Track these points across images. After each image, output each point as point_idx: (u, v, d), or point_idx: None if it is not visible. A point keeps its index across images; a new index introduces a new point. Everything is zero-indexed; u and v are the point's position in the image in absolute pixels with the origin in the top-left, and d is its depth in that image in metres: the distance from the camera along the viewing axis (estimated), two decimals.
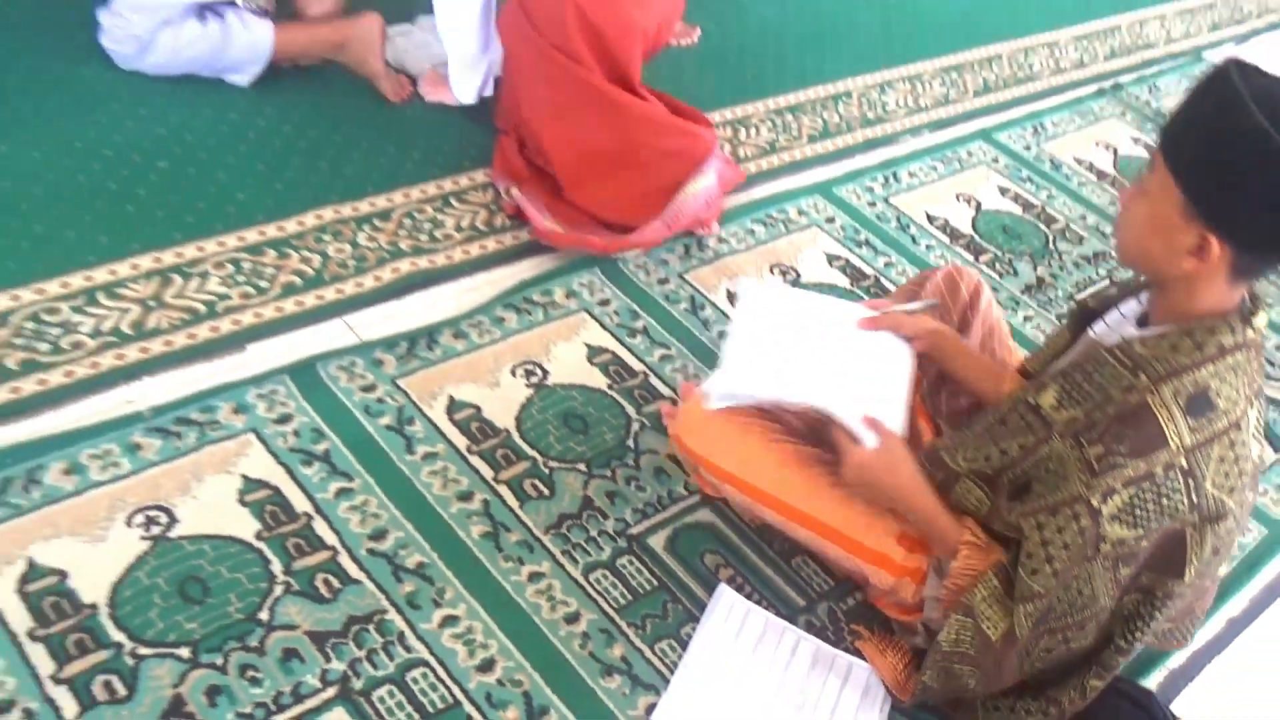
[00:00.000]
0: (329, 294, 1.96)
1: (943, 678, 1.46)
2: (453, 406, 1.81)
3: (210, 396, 1.71)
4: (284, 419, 1.71)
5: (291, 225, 2.06)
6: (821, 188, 2.54)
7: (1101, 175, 2.88)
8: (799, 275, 2.27)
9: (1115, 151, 2.99)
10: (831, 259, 2.34)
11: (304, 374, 1.79)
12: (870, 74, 3.02)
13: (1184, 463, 1.28)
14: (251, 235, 2.02)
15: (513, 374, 1.90)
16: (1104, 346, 1.38)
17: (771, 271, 2.26)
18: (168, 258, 1.93)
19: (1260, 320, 1.33)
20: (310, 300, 1.93)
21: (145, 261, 1.91)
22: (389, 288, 2.00)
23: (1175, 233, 1.25)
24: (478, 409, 1.82)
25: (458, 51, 2.33)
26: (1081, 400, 1.35)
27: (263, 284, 1.94)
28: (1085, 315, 1.54)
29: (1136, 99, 3.27)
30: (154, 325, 1.81)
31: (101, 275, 1.86)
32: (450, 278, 2.06)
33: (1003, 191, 2.70)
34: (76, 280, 1.84)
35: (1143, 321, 1.42)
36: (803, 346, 1.63)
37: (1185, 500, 1.29)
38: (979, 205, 2.62)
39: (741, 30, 3.05)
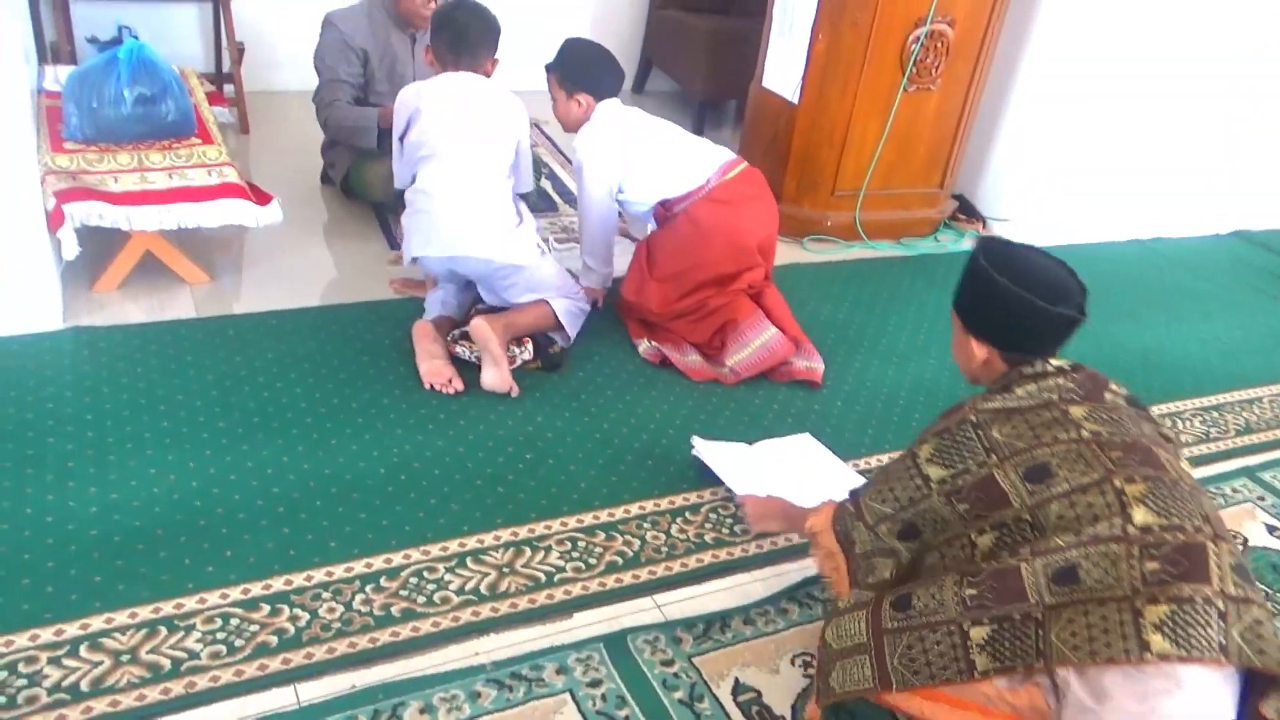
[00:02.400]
0: (643, 574, 1.94)
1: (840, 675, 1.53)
2: (737, 688, 1.70)
3: (539, 656, 1.70)
4: (595, 683, 1.67)
5: (619, 512, 2.09)
6: None
7: None
8: None
9: None
10: None
11: (616, 644, 1.75)
12: None
13: (974, 419, 1.54)
14: (588, 518, 2.06)
15: (792, 663, 1.78)
16: None
17: None
18: (523, 532, 2.00)
19: (1056, 364, 1.58)
20: (627, 578, 1.92)
21: (505, 534, 1.98)
22: (692, 573, 1.96)
23: (967, 347, 1.66)
24: (759, 693, 1.70)
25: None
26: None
27: (591, 560, 1.95)
28: None
29: None
30: (505, 588, 1.85)
31: (471, 543, 1.95)
32: (744, 568, 1.99)
33: (1270, 530, 2.34)
34: (453, 545, 1.93)
35: None
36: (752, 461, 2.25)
37: (979, 446, 1.52)
38: (1245, 541, 2.28)
39: None
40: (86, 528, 1.84)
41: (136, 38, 2.81)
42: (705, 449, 2.25)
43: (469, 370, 2.45)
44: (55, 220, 2.41)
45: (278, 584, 1.78)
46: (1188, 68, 3.84)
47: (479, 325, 2.41)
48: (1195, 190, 4.26)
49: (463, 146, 2.50)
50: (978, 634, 1.39)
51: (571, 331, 2.62)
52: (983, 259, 1.59)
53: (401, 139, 2.58)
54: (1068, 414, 1.50)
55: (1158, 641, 1.27)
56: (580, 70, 2.69)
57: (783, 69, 3.55)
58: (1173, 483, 1.41)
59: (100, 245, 2.64)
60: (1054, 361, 1.57)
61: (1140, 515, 1.37)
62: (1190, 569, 1.31)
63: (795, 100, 3.48)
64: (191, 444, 2.10)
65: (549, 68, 2.74)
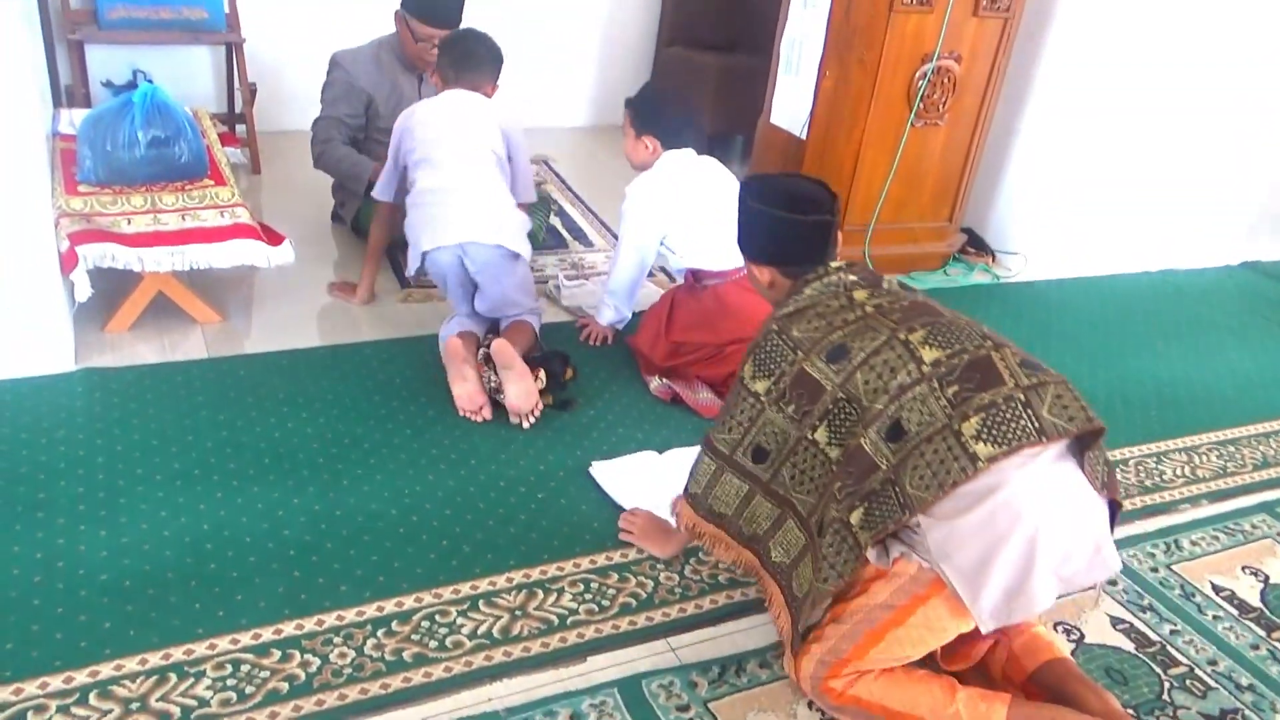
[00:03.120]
0: (657, 616, 1.92)
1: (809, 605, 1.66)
2: None
3: (553, 702, 1.68)
4: None
5: (632, 553, 2.07)
6: None
7: None
8: (1083, 635, 2.00)
9: None
10: (1115, 621, 2.05)
11: (630, 688, 1.73)
12: (1145, 444, 2.77)
13: (776, 327, 1.70)
14: (600, 559, 2.04)
15: (809, 707, 1.74)
16: None
17: (1055, 628, 2.01)
18: (535, 574, 1.98)
19: (834, 264, 1.74)
20: (641, 620, 1.90)
21: (518, 576, 1.97)
22: (707, 614, 1.94)
23: (753, 274, 1.88)
24: None
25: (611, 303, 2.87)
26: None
27: (604, 602, 1.93)
28: None
29: None
30: (517, 632, 1.83)
31: (484, 585, 1.93)
32: (759, 610, 1.96)
33: None
34: (465, 588, 1.91)
35: None
36: (646, 475, 2.28)
37: (785, 347, 1.67)
38: (1267, 579, 2.25)
39: None
40: (97, 572, 1.83)
41: (151, 81, 2.83)
42: (602, 471, 2.29)
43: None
44: (68, 262, 2.42)
45: (289, 629, 1.76)
46: (1195, 98, 3.85)
47: (502, 345, 2.45)
48: (1205, 221, 4.26)
49: (456, 149, 2.62)
50: (855, 517, 1.55)
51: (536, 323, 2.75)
52: (742, 193, 1.83)
53: (395, 156, 2.70)
54: (853, 299, 1.69)
55: (983, 449, 1.44)
56: (653, 114, 2.68)
57: (790, 105, 3.57)
58: (949, 321, 1.62)
59: (112, 286, 2.65)
60: (832, 263, 1.76)
61: (929, 354, 1.55)
62: (984, 379, 1.50)
63: (803, 136, 3.49)
64: (203, 485, 2.09)
65: (628, 102, 2.75)
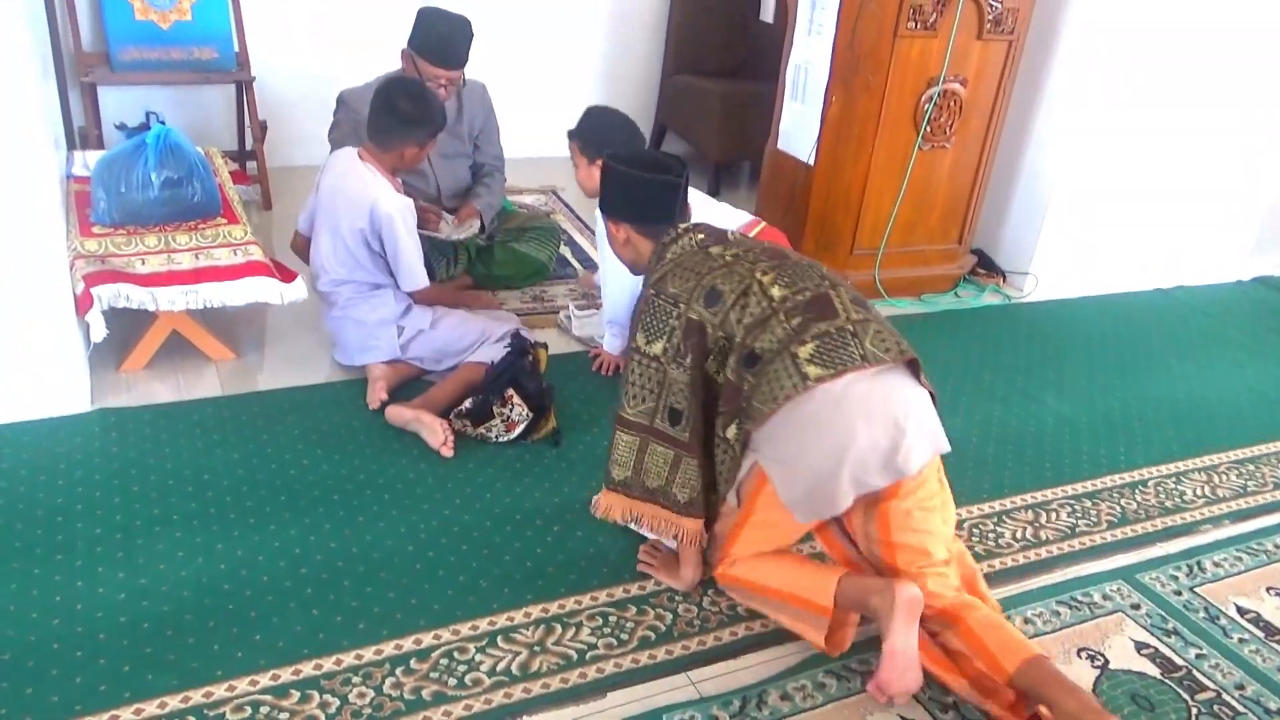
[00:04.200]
0: (676, 649, 1.90)
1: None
2: None
3: None
4: None
5: (650, 585, 2.06)
6: (1124, 572, 2.26)
7: None
8: (1108, 661, 1.98)
9: None
10: (1140, 646, 2.03)
11: None
12: (1164, 464, 2.75)
13: (653, 291, 1.88)
14: (618, 592, 2.03)
15: None
16: None
17: (1079, 655, 1.99)
18: (553, 609, 1.97)
19: (684, 226, 1.98)
20: (660, 654, 1.89)
21: (535, 611, 1.96)
22: (727, 646, 1.93)
23: (611, 232, 2.09)
24: None
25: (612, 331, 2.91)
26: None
27: (623, 636, 1.92)
28: None
29: None
30: (536, 668, 1.82)
31: (501, 621, 1.92)
32: (779, 641, 1.95)
33: None
34: (483, 624, 1.91)
35: None
36: None
37: (667, 304, 1.85)
38: None
39: (1039, 423, 2.90)
40: (115, 614, 1.83)
41: (163, 122, 2.87)
42: None
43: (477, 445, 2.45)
44: (84, 304, 2.44)
45: (307, 669, 1.76)
46: (1201, 114, 3.86)
47: (390, 413, 2.52)
48: (1215, 237, 4.25)
49: (327, 230, 2.66)
50: (730, 432, 1.82)
51: (496, 355, 2.62)
52: (606, 160, 2.06)
53: None
54: (709, 253, 1.90)
55: (814, 370, 1.70)
56: (601, 138, 2.70)
57: (797, 131, 3.59)
58: (795, 263, 1.87)
59: (127, 326, 2.66)
60: (681, 225, 1.98)
61: (776, 291, 1.79)
62: (821, 311, 1.76)
63: (811, 162, 3.51)
64: (219, 524, 2.10)
65: (571, 134, 2.77)
